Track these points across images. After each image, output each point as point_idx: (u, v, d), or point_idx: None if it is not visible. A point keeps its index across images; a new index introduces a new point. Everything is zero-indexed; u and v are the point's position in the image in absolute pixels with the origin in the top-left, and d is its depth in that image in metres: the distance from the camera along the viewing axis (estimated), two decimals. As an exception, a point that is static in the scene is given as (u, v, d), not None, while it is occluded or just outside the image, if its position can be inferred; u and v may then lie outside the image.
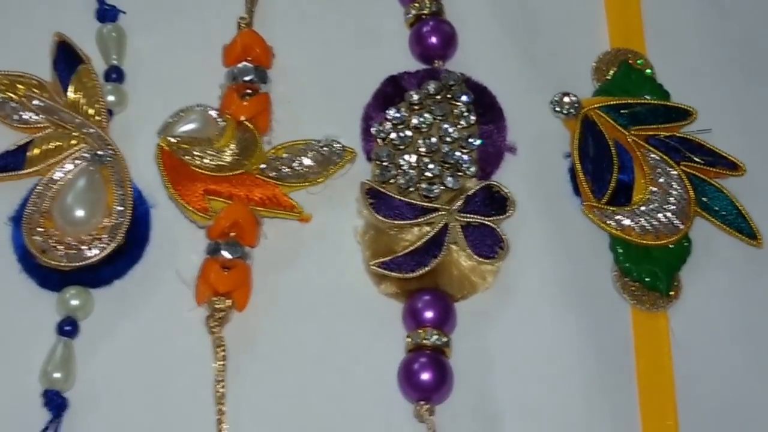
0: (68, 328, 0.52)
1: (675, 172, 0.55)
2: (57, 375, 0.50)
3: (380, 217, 0.53)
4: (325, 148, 0.55)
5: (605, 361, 0.53)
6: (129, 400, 0.51)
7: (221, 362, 0.50)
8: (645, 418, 0.52)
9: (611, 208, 0.54)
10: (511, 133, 0.56)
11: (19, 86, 0.56)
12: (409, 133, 0.55)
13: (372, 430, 0.51)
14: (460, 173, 0.54)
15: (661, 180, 0.55)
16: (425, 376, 0.50)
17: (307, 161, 0.55)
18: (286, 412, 0.51)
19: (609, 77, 0.58)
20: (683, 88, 0.58)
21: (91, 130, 0.55)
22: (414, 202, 0.54)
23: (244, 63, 0.56)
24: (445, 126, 0.55)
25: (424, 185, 0.54)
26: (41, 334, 0.51)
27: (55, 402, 0.50)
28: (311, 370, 0.52)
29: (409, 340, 0.52)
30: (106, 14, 0.59)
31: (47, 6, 0.59)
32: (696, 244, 0.55)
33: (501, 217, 0.53)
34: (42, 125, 0.55)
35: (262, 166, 0.55)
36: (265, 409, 0.51)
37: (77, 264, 0.52)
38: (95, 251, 0.53)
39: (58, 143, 0.55)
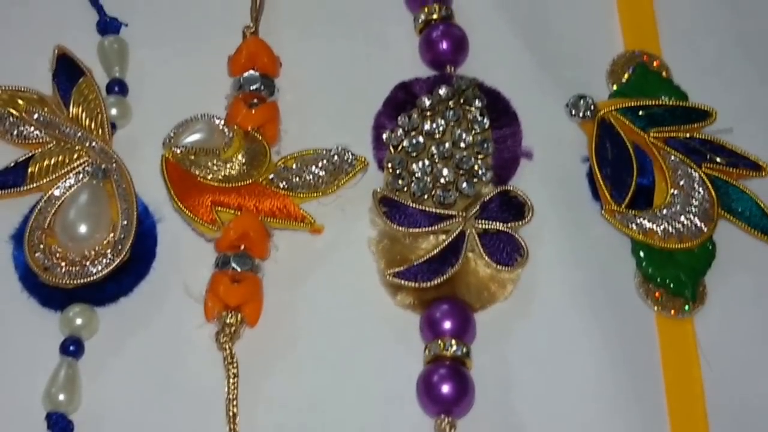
0: (72, 347, 0.50)
1: (696, 174, 0.53)
2: (61, 397, 0.49)
3: (395, 226, 0.51)
4: (335, 158, 0.54)
5: (631, 371, 0.51)
6: (136, 423, 0.49)
7: (233, 380, 0.49)
8: (675, 428, 0.50)
9: (632, 212, 0.53)
10: (526, 138, 0.55)
11: (19, 101, 0.54)
12: (421, 139, 0.54)
13: (392, 447, 0.49)
14: (475, 179, 0.53)
15: (682, 182, 0.53)
16: (445, 388, 0.48)
17: (317, 171, 0.53)
18: (301, 431, 0.49)
19: (625, 80, 0.57)
20: (701, 88, 0.56)
21: (94, 144, 0.53)
22: (429, 209, 0.52)
23: (251, 72, 0.55)
24: (459, 131, 0.54)
25: (438, 191, 0.52)
26: (45, 354, 0.50)
27: (60, 425, 0.48)
28: (327, 385, 0.50)
29: (428, 351, 0.50)
30: (108, 27, 0.57)
31: (48, 19, 0.58)
32: (720, 247, 0.53)
33: (519, 223, 0.52)
34: (43, 140, 0.54)
35: (271, 176, 0.53)
36: (280, 429, 0.49)
37: (81, 281, 0.51)
38: (99, 267, 0.51)
39: (59, 158, 0.53)
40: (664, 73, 0.57)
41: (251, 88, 0.54)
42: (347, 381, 0.50)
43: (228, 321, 0.50)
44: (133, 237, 0.51)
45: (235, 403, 0.48)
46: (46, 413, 0.48)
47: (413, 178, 0.53)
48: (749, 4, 0.59)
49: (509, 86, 0.56)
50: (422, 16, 0.57)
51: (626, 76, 0.57)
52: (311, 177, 0.53)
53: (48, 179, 0.53)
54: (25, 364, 0.50)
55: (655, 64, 0.57)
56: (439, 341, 0.49)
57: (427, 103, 0.54)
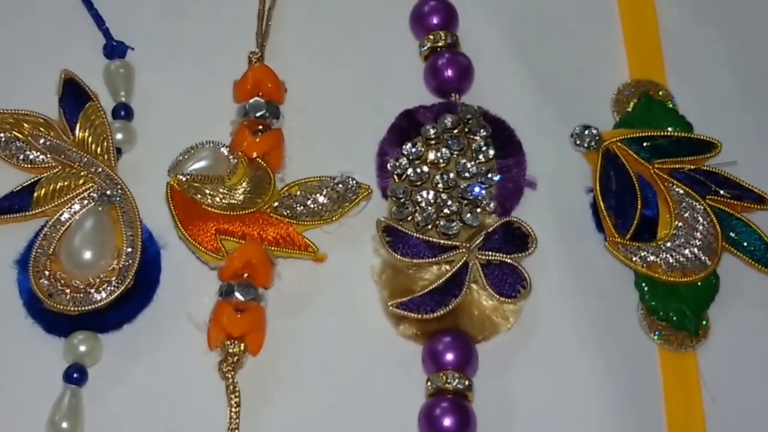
0: (76, 375, 0.50)
1: (701, 207, 0.53)
2: (64, 425, 0.49)
3: (398, 256, 0.52)
4: (339, 185, 0.54)
5: (633, 404, 0.51)
6: (139, 450, 0.49)
7: (235, 409, 0.49)
8: (676, 463, 0.50)
9: (636, 244, 0.53)
10: (530, 168, 0.55)
11: (25, 125, 0.55)
12: (425, 168, 0.54)
13: (393, 479, 0.49)
14: (479, 209, 0.53)
15: (686, 215, 0.53)
16: (447, 421, 0.48)
17: (321, 199, 0.53)
18: (302, 461, 0.49)
19: (630, 109, 0.57)
20: (706, 119, 0.56)
21: (99, 170, 0.54)
22: (432, 239, 0.52)
23: (256, 98, 0.55)
24: (463, 161, 0.54)
25: (442, 222, 0.52)
26: (48, 381, 0.50)
27: (63, 453, 0.48)
28: (328, 416, 0.50)
29: (430, 383, 0.50)
30: (114, 50, 0.58)
31: (54, 42, 0.58)
32: (724, 280, 0.53)
33: (522, 254, 0.52)
34: (49, 165, 0.54)
35: (275, 204, 0.53)
36: (281, 458, 0.49)
37: (85, 308, 0.51)
38: (103, 294, 0.51)
39: (65, 183, 0.54)
40: (669, 103, 0.57)
41: (256, 115, 0.55)
42: (349, 411, 0.50)
43: (231, 350, 0.50)
44: (137, 264, 0.51)
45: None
46: (49, 441, 0.49)
47: (417, 208, 0.53)
48: (756, 36, 0.59)
49: (514, 115, 0.56)
50: (428, 43, 0.58)
51: (631, 105, 0.57)
52: (315, 205, 0.53)
53: (53, 204, 0.53)
54: (29, 391, 0.50)
55: (660, 93, 0.57)
56: (442, 374, 0.50)
57: (432, 132, 0.55)
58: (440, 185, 0.53)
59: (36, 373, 0.50)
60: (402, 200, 0.53)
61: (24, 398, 0.50)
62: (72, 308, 0.51)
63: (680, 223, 0.53)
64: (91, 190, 0.53)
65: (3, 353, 0.51)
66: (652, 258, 0.52)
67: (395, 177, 0.54)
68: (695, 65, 0.58)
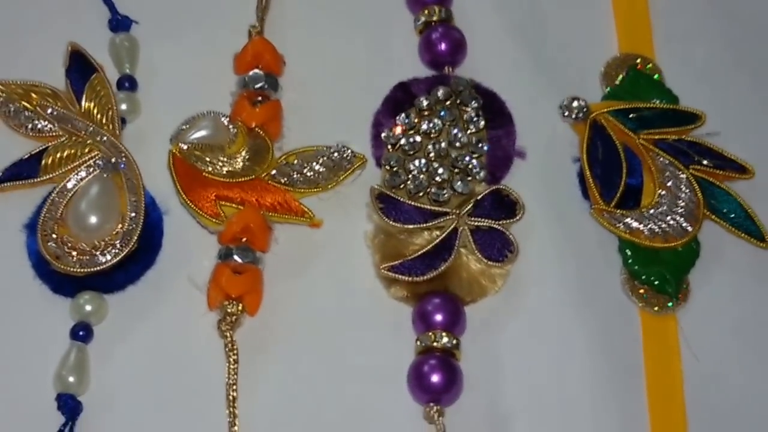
0: (82, 333, 0.52)
1: (684, 176, 0.55)
2: (71, 379, 0.51)
3: (390, 221, 0.53)
4: (335, 155, 0.56)
5: (614, 365, 0.53)
6: (142, 404, 0.51)
7: (233, 366, 0.51)
8: (654, 421, 0.51)
9: (620, 212, 0.55)
10: (520, 138, 0.57)
11: (34, 95, 0.56)
12: (418, 138, 0.56)
13: (382, 432, 0.51)
14: (469, 178, 0.55)
15: (669, 183, 0.55)
16: (435, 378, 0.50)
17: (317, 167, 0.55)
18: (297, 415, 0.51)
19: (618, 82, 0.58)
20: (692, 91, 0.58)
21: (104, 138, 0.56)
22: (424, 206, 0.54)
23: (255, 71, 0.57)
24: (455, 131, 0.56)
25: (433, 189, 0.54)
26: (56, 339, 0.52)
27: (69, 405, 0.50)
28: (322, 372, 0.52)
29: (419, 342, 0.52)
30: (119, 24, 0.59)
31: (61, 16, 0.59)
32: (704, 246, 0.55)
33: (510, 220, 0.54)
34: (56, 134, 0.56)
35: (273, 172, 0.55)
36: (277, 412, 0.51)
37: (91, 270, 0.53)
38: (108, 257, 0.53)
39: (71, 151, 0.55)
40: (656, 76, 0.58)
41: (256, 86, 0.56)
42: (341, 368, 0.52)
43: (229, 310, 0.52)
44: (140, 228, 0.53)
45: (234, 387, 0.50)
46: (57, 394, 0.51)
47: (410, 176, 0.55)
48: (742, 10, 0.61)
49: (505, 87, 0.57)
50: (422, 18, 0.59)
51: (619, 78, 0.58)
52: (311, 173, 0.55)
53: (60, 171, 0.55)
54: (37, 347, 0.52)
55: (648, 67, 0.59)
56: (430, 333, 0.52)
57: (425, 103, 0.56)
58: (432, 154, 0.55)
59: (44, 331, 0.52)
60: (395, 169, 0.55)
61: (33, 354, 0.52)
62: (78, 270, 0.53)
63: (664, 192, 0.55)
64: (97, 157, 0.55)
65: (13, 313, 0.53)
66: (635, 225, 0.54)
67: (389, 147, 0.56)
68: (682, 39, 0.60)
